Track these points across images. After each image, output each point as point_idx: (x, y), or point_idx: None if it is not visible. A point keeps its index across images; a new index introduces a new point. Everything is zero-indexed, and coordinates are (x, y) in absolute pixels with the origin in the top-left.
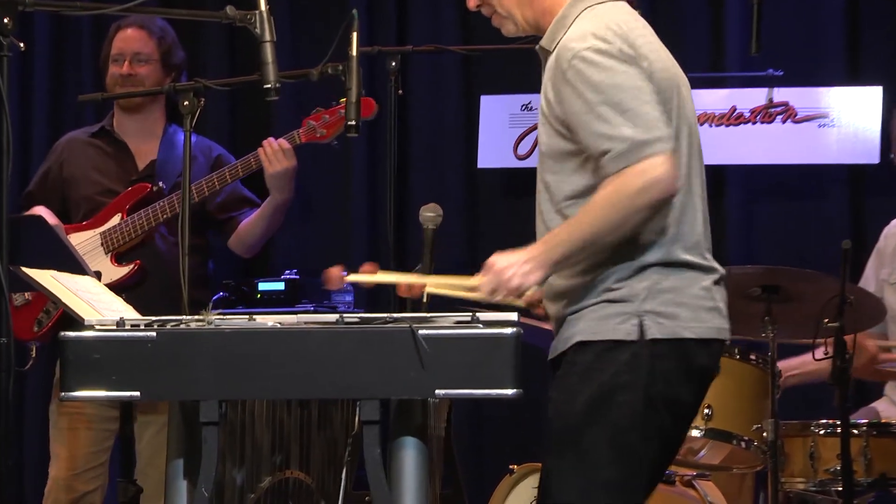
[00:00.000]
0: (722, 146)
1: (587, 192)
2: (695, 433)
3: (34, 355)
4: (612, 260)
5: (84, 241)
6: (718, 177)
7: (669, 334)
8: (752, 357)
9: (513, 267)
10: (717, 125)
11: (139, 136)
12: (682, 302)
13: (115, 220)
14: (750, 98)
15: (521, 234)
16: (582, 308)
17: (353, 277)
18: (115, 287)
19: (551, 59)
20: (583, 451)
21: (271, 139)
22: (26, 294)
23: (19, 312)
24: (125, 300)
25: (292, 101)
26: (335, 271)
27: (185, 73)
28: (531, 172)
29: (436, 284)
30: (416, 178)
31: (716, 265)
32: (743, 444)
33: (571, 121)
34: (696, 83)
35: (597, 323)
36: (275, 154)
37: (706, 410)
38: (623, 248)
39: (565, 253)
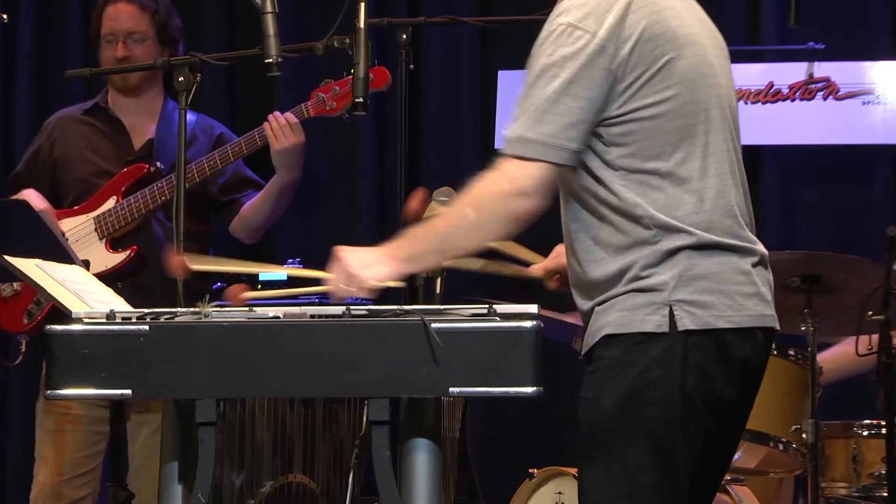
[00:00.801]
0: (758, 125)
1: (595, 182)
2: None
3: (24, 349)
4: (637, 245)
5: (76, 227)
6: (754, 158)
7: (703, 325)
8: (791, 352)
9: (359, 260)
10: (753, 102)
11: (136, 114)
12: (717, 289)
13: (110, 203)
14: (788, 73)
15: (542, 220)
16: (609, 298)
17: (197, 266)
18: (111, 275)
19: None
20: (618, 452)
21: (277, 113)
22: (14, 284)
23: (7, 304)
24: (122, 289)
25: (295, 77)
26: (178, 259)
27: (182, 42)
28: None
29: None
30: (429, 159)
31: (756, 245)
32: (780, 447)
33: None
34: (730, 57)
35: (624, 314)
36: (281, 129)
37: None
38: (649, 231)
39: (418, 251)
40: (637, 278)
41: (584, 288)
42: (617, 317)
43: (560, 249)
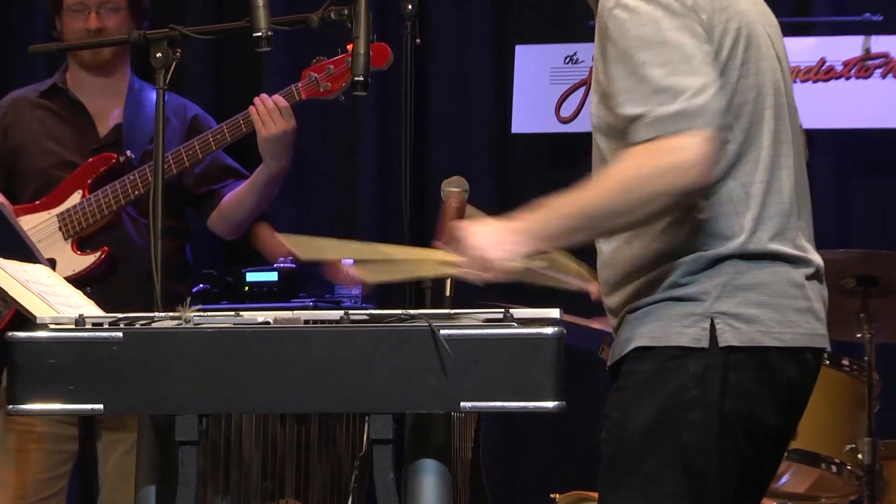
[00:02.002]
0: (808, 106)
1: None
2: None
3: None
4: (678, 249)
5: (38, 225)
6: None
7: (747, 341)
8: (845, 363)
9: (491, 235)
10: (803, 81)
11: (100, 96)
12: (765, 302)
13: (75, 198)
14: (842, 48)
15: None
16: (643, 306)
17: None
18: (80, 279)
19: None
20: (644, 480)
21: (265, 96)
22: None
23: None
24: (91, 295)
25: (288, 52)
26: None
27: (148, 17)
28: (577, 139)
29: (392, 265)
30: (437, 145)
31: (811, 255)
32: (833, 469)
33: (610, 84)
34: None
35: (659, 325)
36: (270, 113)
37: None
38: (692, 235)
39: (561, 229)
40: (676, 285)
41: (615, 292)
42: (651, 327)
43: None
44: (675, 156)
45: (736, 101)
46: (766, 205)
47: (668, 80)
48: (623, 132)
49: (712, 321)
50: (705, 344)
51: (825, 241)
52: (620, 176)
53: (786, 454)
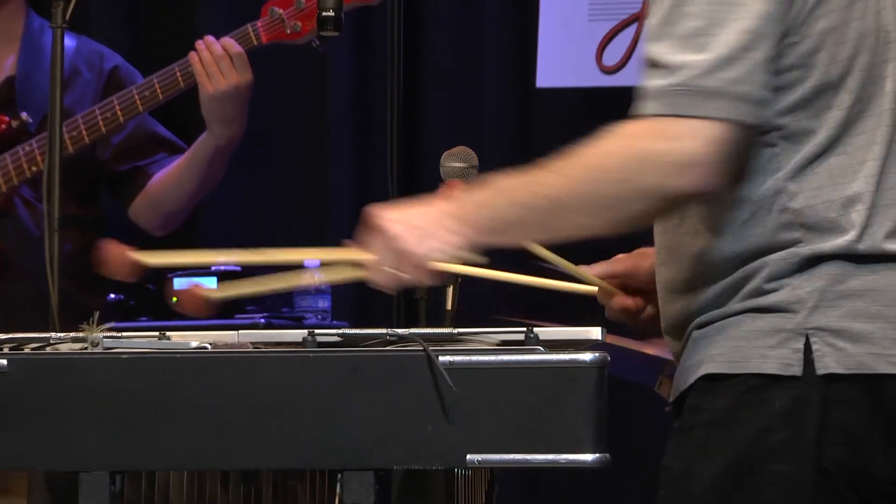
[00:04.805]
0: None
1: None
2: None
3: None
4: (763, 245)
5: None
6: None
7: (855, 367)
8: None
9: (415, 223)
10: None
11: None
12: (880, 313)
13: None
14: None
15: None
16: (714, 320)
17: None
18: None
19: None
20: None
21: (211, 39)
22: None
23: None
24: None
25: None
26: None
27: None
28: (624, 95)
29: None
30: (436, 105)
31: None
32: None
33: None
34: None
35: (736, 345)
36: (217, 63)
37: None
38: (782, 227)
39: (507, 217)
40: (759, 292)
41: (675, 301)
42: (725, 348)
43: (643, 251)
44: (674, 146)
45: (843, 52)
46: (884, 189)
47: (696, 41)
48: None
49: (807, 340)
50: (798, 371)
51: None
52: (595, 161)
53: None
